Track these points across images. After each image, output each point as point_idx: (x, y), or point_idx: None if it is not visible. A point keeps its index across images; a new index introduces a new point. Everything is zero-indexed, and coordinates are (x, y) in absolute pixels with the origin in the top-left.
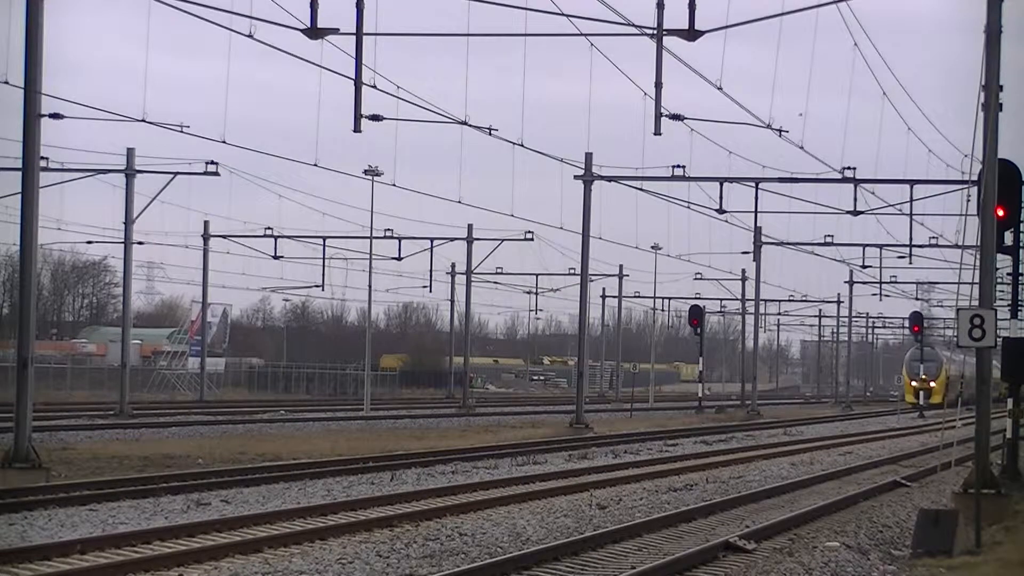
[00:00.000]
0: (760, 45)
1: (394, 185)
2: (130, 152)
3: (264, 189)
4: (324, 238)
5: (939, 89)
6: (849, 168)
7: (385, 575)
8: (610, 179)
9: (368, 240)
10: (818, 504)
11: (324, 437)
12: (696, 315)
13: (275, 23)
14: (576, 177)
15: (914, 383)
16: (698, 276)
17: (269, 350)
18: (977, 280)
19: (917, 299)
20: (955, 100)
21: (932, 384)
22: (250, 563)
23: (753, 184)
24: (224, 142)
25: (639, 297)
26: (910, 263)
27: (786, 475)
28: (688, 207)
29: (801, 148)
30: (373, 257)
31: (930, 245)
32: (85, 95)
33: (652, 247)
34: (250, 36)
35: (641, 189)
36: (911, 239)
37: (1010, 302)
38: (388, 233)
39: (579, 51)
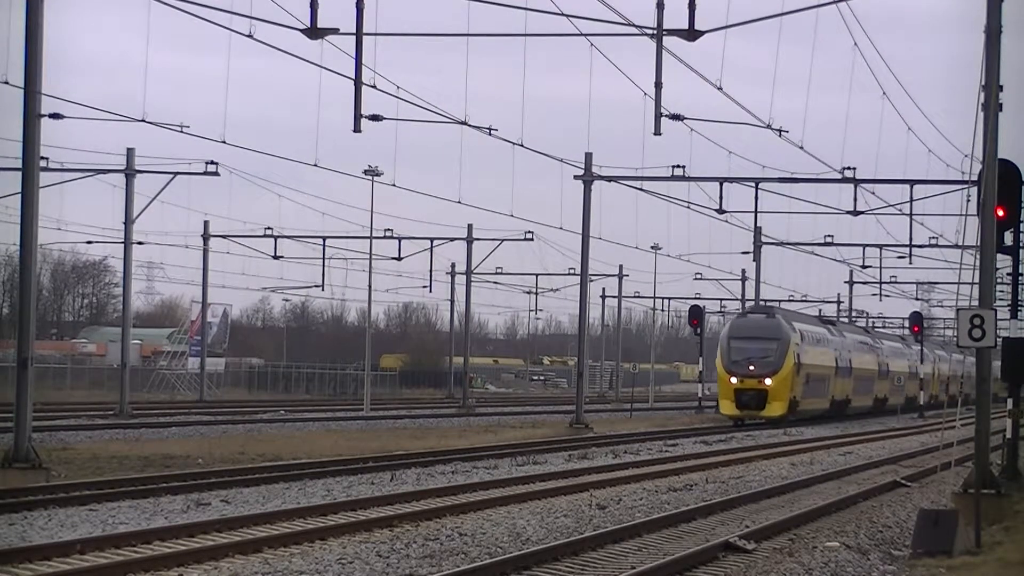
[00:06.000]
0: (760, 43)
1: (394, 185)
2: (130, 152)
3: (264, 189)
4: (324, 238)
5: (939, 88)
6: (849, 168)
7: (385, 575)
8: (610, 179)
9: (368, 240)
10: (818, 504)
11: (324, 437)
12: (696, 315)
13: (275, 23)
14: (576, 177)
15: (733, 380)
16: (698, 276)
17: (269, 350)
18: (977, 280)
19: (917, 299)
20: (955, 100)
21: (766, 381)
22: (250, 563)
23: (753, 184)
24: (224, 142)
25: (639, 297)
26: (910, 263)
27: (786, 475)
28: (688, 207)
29: (801, 148)
30: (373, 257)
31: (930, 245)
32: (86, 94)
33: (652, 247)
34: (250, 36)
35: (641, 189)
36: (911, 239)
37: (1010, 302)
38: (388, 233)
39: (579, 51)
